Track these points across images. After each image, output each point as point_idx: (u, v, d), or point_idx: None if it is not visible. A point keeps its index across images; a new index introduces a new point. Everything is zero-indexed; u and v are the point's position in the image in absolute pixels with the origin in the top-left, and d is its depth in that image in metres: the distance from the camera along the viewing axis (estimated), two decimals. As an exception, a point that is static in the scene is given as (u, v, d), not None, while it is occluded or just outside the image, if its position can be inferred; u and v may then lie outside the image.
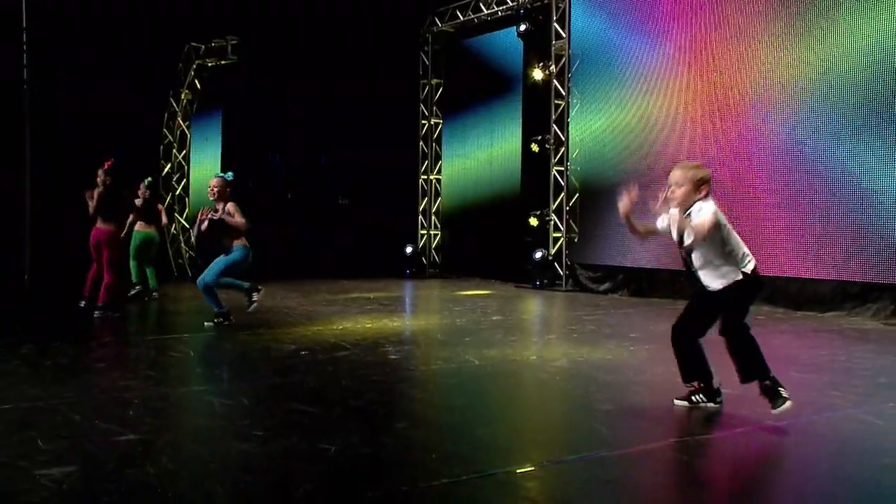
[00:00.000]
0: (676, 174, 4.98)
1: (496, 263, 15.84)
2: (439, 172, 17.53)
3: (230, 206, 8.35)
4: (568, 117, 14.22)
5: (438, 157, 17.51)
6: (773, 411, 4.71)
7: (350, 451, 4.10)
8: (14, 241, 13.65)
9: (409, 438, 4.43)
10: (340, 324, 9.06)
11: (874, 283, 10.18)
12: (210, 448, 4.13)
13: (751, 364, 4.84)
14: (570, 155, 14.18)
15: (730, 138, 11.68)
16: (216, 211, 8.39)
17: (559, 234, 14.33)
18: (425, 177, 17.73)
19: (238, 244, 8.40)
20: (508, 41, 15.60)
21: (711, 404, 5.12)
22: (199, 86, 16.05)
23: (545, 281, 14.14)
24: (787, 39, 10.99)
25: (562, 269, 14.20)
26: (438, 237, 17.60)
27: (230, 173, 8.69)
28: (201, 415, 4.86)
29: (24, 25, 13.51)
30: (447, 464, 3.91)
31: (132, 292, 11.31)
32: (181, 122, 16.22)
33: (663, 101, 12.67)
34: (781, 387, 4.77)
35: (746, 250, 4.96)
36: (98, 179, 9.54)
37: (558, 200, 14.35)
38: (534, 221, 14.53)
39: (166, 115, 16.18)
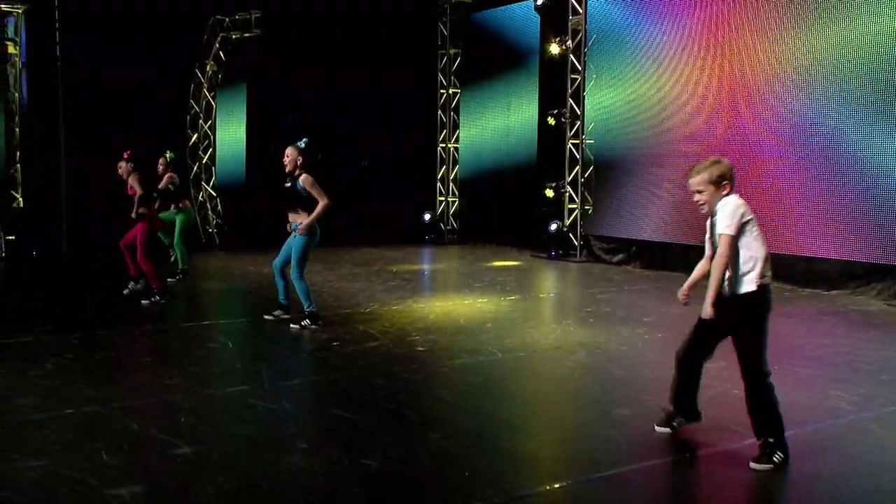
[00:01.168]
0: (695, 179, 4.65)
1: (512, 231, 16.02)
2: (457, 141, 17.61)
3: (304, 179, 7.77)
4: (584, 91, 14.26)
5: (456, 126, 17.58)
6: (751, 464, 4.50)
7: (390, 467, 4.35)
8: (52, 217, 13.91)
9: (444, 453, 4.66)
10: (367, 306, 9.29)
11: (879, 263, 10.33)
12: (261, 464, 4.39)
13: (762, 420, 4.63)
14: (585, 128, 14.26)
15: (743, 117, 11.74)
16: (288, 177, 7.89)
17: (574, 206, 14.48)
18: (443, 145, 17.82)
19: (292, 220, 7.96)
20: (525, 14, 15.57)
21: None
22: (223, 57, 16.12)
23: (560, 251, 14.33)
24: (803, 21, 10.97)
25: (576, 241, 14.38)
26: (456, 204, 17.75)
27: (304, 141, 8.04)
28: (247, 421, 5.11)
29: (56, 3, 13.58)
30: (480, 483, 4.16)
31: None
32: (206, 92, 16.33)
33: (678, 79, 12.70)
34: (781, 453, 4.53)
35: (766, 262, 4.61)
36: (121, 171, 9.60)
37: (573, 173, 14.46)
38: (549, 193, 14.67)
39: (192, 86, 16.28)
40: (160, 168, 11.01)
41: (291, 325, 7.95)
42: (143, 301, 9.27)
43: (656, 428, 5.07)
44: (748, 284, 4.58)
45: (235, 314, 9.08)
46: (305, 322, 7.89)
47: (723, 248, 4.57)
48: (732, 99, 11.85)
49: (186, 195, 11.69)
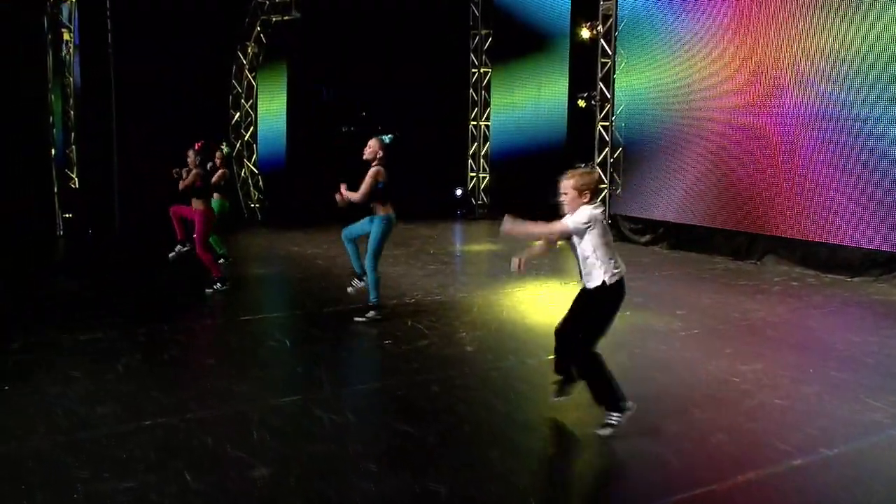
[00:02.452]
0: (563, 183, 5.13)
1: (541, 209, 15.90)
2: (488, 119, 17.44)
3: (372, 171, 7.74)
4: (613, 75, 14.05)
5: (487, 105, 17.39)
6: (597, 430, 5.10)
7: (458, 494, 4.38)
8: (105, 196, 13.97)
9: (506, 476, 4.68)
10: (412, 294, 9.30)
11: (903, 254, 10.22)
12: (335, 488, 4.42)
13: (603, 390, 5.18)
14: (614, 111, 14.08)
15: (772, 104, 11.52)
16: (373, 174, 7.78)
17: (603, 186, 14.34)
18: (475, 123, 17.65)
19: (382, 213, 7.89)
20: (556, -3, 15.31)
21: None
22: (264, 40, 15.98)
23: None
24: (835, 9, 10.69)
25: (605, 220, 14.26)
26: (487, 180, 17.64)
27: (388, 136, 7.93)
28: (316, 438, 5.14)
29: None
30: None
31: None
32: (248, 73, 16.23)
33: (708, 65, 12.45)
34: (617, 416, 5.11)
35: (617, 260, 5.15)
36: (189, 161, 9.58)
37: (602, 154, 14.31)
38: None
39: (234, 67, 16.18)
40: (217, 161, 10.96)
41: (356, 318, 7.96)
42: (206, 290, 9.32)
43: (552, 398, 5.53)
44: (595, 281, 5.11)
45: (287, 306, 9.11)
46: (371, 314, 7.93)
47: (553, 226, 5.17)
48: (762, 85, 11.61)
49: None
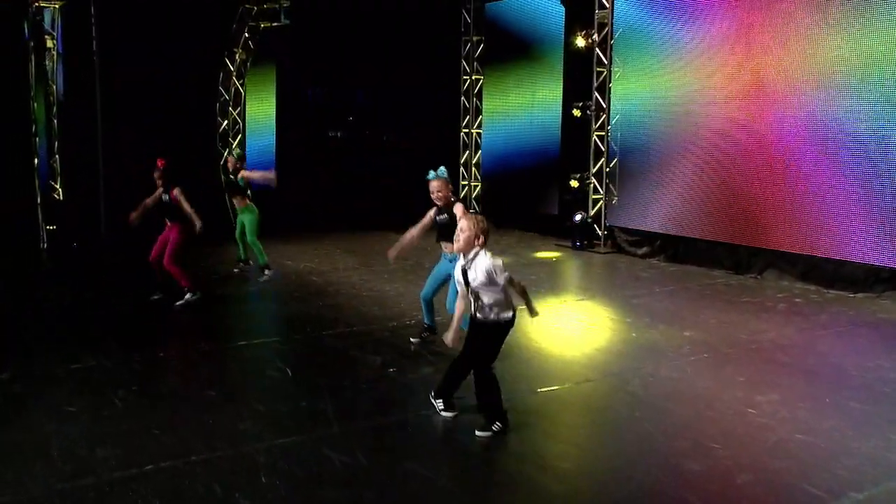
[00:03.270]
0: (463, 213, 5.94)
1: (534, 219, 15.79)
2: (479, 126, 17.28)
3: (459, 207, 7.17)
4: (610, 83, 13.93)
5: (479, 112, 17.23)
6: (477, 432, 5.64)
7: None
8: (90, 207, 13.69)
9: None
10: (411, 315, 9.11)
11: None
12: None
13: (497, 402, 5.76)
14: (610, 121, 13.96)
15: (770, 116, 11.43)
16: (440, 210, 7.34)
17: (598, 197, 14.24)
18: (466, 130, 17.49)
19: (448, 250, 7.40)
20: (549, 4, 15.15)
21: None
22: (252, 46, 15.73)
23: (584, 242, 14.12)
24: (834, 21, 10.60)
25: (600, 232, 14.16)
26: (479, 188, 17.49)
27: (442, 169, 7.31)
28: (328, 483, 4.94)
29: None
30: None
31: (236, 269, 11.55)
32: (235, 80, 15.98)
33: (705, 74, 12.36)
34: (500, 423, 5.71)
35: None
36: (157, 180, 9.41)
37: (598, 164, 14.20)
38: (574, 183, 14.43)
39: (221, 74, 15.92)
40: (231, 165, 11.01)
41: (411, 340, 7.88)
42: (176, 303, 9.26)
43: (442, 413, 5.94)
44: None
45: (285, 329, 8.86)
46: (425, 335, 7.84)
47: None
48: (762, 95, 11.52)
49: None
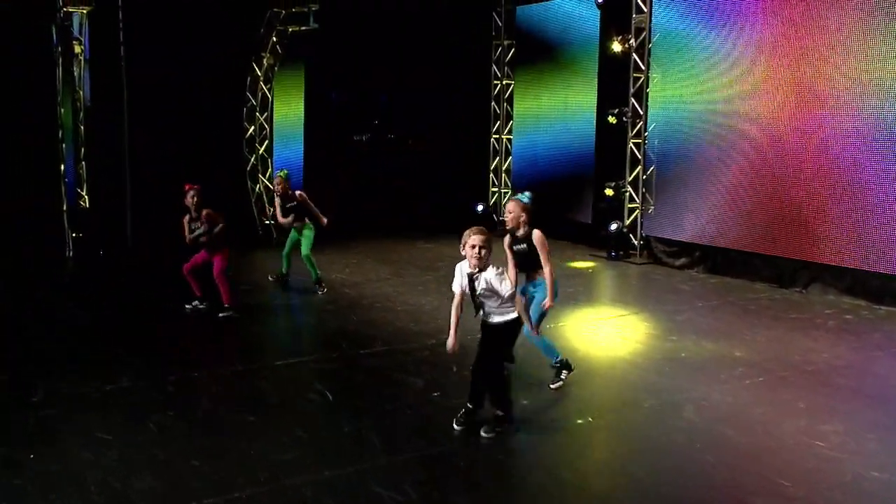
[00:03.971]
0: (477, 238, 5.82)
1: (567, 227, 15.48)
2: (510, 132, 17.01)
3: (538, 236, 6.78)
4: (647, 88, 13.61)
5: (510, 117, 16.95)
6: (482, 433, 5.94)
7: None
8: (117, 215, 13.56)
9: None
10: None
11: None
12: None
13: (506, 400, 6.16)
14: (647, 128, 13.65)
15: (817, 125, 11.08)
16: (517, 238, 6.93)
17: (634, 206, 13.93)
18: (496, 136, 17.23)
19: (541, 278, 6.94)
20: (583, 8, 14.85)
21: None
22: (280, 50, 15.53)
23: (620, 252, 13.82)
24: (877, 28, 10.26)
25: (636, 241, 13.86)
26: (509, 195, 17.20)
27: (527, 194, 6.97)
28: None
29: (119, 3, 13.08)
30: None
31: (272, 279, 11.38)
32: (263, 85, 15.79)
33: (746, 82, 12.02)
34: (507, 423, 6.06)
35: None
36: (189, 205, 9.26)
37: (634, 173, 13.88)
38: (609, 192, 14.12)
39: (249, 79, 15.73)
40: (279, 187, 10.67)
41: (551, 386, 7.00)
42: (219, 314, 9.27)
43: (456, 426, 6.07)
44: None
45: (321, 346, 8.58)
46: (564, 374, 6.99)
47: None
48: (809, 102, 11.16)
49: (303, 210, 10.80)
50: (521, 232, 6.89)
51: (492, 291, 5.84)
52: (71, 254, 13.25)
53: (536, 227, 6.87)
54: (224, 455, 5.58)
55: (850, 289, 10.89)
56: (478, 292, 5.85)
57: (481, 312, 5.99)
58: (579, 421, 6.45)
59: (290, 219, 10.65)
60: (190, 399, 6.72)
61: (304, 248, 10.62)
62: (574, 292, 11.21)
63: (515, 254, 7.00)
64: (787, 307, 10.49)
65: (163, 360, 7.80)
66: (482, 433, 5.90)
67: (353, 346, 8.35)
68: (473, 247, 5.76)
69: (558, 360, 7.07)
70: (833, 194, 10.86)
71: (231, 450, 5.67)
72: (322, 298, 10.57)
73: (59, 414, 6.34)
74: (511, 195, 6.95)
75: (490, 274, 5.83)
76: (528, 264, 6.96)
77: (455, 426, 6.04)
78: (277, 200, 10.82)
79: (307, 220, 10.69)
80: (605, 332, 9.20)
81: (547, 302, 6.84)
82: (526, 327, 6.64)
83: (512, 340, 6.21)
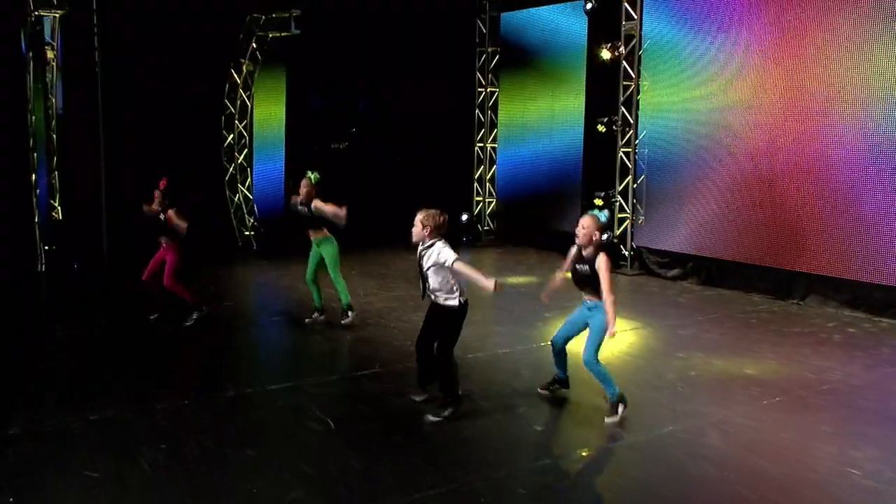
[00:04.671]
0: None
1: (554, 237, 15.11)
2: (494, 140, 16.65)
3: (603, 261, 6.30)
4: (637, 96, 13.31)
5: (494, 125, 16.59)
6: (428, 416, 6.37)
7: None
8: (91, 230, 12.96)
9: None
10: (456, 355, 8.40)
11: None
12: None
13: (450, 385, 6.43)
14: (637, 137, 13.35)
15: (812, 134, 10.85)
16: (583, 258, 6.46)
17: (625, 216, 13.62)
18: (481, 144, 16.85)
19: (595, 300, 6.49)
20: (571, 15, 14.54)
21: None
22: (260, 57, 15.02)
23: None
24: (871, 36, 10.05)
25: (627, 252, 13.54)
26: (493, 204, 16.84)
27: (604, 213, 6.55)
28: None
29: (94, 6, 12.49)
30: None
31: (309, 321, 9.60)
32: (242, 92, 15.26)
33: (739, 90, 11.80)
34: (452, 407, 6.39)
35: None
36: (155, 201, 9.09)
37: (624, 182, 13.57)
38: (598, 202, 13.76)
39: (227, 86, 15.20)
40: (303, 190, 9.11)
41: (606, 420, 6.48)
42: (185, 324, 9.00)
43: (430, 418, 6.36)
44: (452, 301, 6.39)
45: (317, 369, 8.08)
46: (622, 408, 6.48)
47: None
48: (803, 111, 10.94)
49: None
50: (588, 251, 6.43)
51: (435, 264, 6.23)
52: (43, 268, 12.61)
53: (602, 251, 6.39)
54: (225, 497, 5.10)
55: (850, 301, 10.65)
56: (425, 269, 6.30)
57: (429, 294, 6.38)
58: (602, 446, 6.05)
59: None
60: (182, 430, 6.21)
61: (332, 271, 9.24)
62: (571, 306, 10.79)
63: (575, 271, 6.58)
64: (787, 320, 10.21)
65: (148, 385, 7.28)
66: (429, 417, 6.32)
67: (350, 367, 7.94)
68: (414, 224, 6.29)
69: (614, 394, 6.52)
70: (828, 203, 10.63)
71: (232, 491, 5.20)
72: (308, 314, 9.99)
73: (40, 451, 5.80)
74: (588, 211, 6.40)
75: (434, 249, 6.27)
76: (584, 284, 6.51)
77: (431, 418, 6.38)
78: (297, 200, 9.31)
79: (326, 231, 9.26)
80: (610, 349, 8.79)
81: (611, 330, 6.28)
82: (585, 355, 6.40)
83: (457, 329, 6.40)
